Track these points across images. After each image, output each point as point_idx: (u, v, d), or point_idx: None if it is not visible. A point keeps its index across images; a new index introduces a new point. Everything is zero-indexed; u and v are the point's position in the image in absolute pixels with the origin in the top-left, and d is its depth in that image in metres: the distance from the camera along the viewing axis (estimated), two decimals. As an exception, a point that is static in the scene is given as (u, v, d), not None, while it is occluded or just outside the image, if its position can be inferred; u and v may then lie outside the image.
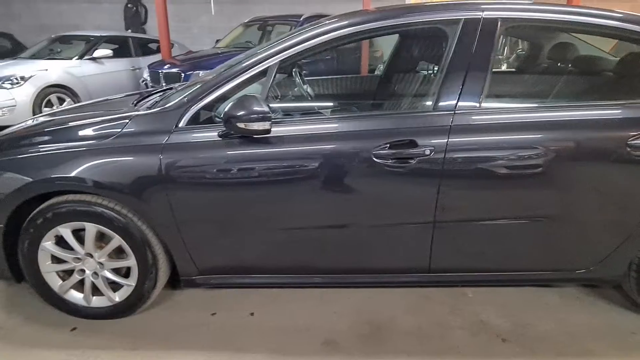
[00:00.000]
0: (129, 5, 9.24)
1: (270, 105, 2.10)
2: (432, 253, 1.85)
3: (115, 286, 1.97)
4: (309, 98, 2.75)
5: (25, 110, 5.49)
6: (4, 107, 5.38)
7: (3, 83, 5.46)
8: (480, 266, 1.92)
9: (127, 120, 1.82)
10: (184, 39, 8.82)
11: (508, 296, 2.19)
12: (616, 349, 1.85)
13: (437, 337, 1.93)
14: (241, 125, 1.59)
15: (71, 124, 1.98)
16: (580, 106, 1.77)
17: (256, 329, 1.98)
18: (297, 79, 2.76)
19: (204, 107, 1.78)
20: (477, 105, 1.73)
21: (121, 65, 6.89)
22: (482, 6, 1.78)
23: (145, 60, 6.90)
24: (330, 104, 2.51)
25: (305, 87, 2.87)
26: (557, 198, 1.75)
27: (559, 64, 2.28)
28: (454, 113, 1.71)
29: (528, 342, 1.90)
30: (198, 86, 1.84)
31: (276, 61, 1.76)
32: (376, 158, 1.68)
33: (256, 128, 1.60)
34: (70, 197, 1.80)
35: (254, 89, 1.84)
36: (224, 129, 1.69)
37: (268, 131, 1.63)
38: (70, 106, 3.26)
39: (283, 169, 1.73)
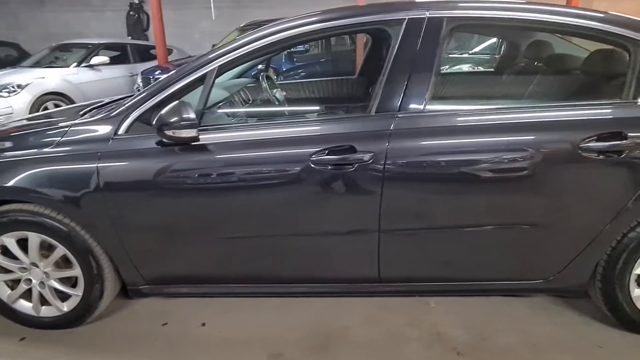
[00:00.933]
0: (131, 12, 9.37)
1: (220, 110, 2.07)
2: (381, 262, 1.78)
3: (65, 296, 1.95)
4: (276, 103, 2.71)
5: (22, 117, 5.60)
6: (1, 115, 5.49)
7: (0, 91, 5.58)
8: (434, 275, 1.83)
9: (67, 129, 1.80)
10: (184, 45, 8.89)
11: (472, 306, 2.09)
12: (579, 363, 1.75)
13: (389, 350, 1.85)
14: (169, 132, 1.55)
15: (15, 133, 1.98)
16: (531, 108, 1.67)
17: (204, 340, 1.93)
18: (263, 83, 2.72)
19: (144, 114, 1.74)
20: (421, 108, 1.65)
21: (119, 71, 6.98)
22: (427, 5, 1.70)
23: (144, 67, 6.97)
24: (281, 109, 2.46)
25: (274, 91, 2.83)
26: (509, 204, 1.66)
27: (510, 65, 2.19)
28: (396, 117, 1.64)
29: (486, 355, 1.81)
30: (141, 93, 1.82)
31: (214, 67, 1.71)
32: (314, 165, 1.62)
33: (184, 135, 1.56)
34: (13, 206, 1.79)
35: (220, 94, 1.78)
36: (160, 136, 1.66)
37: (195, 139, 1.59)
38: (41, 112, 3.28)
39: (220, 177, 1.68)
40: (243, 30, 7.31)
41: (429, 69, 1.65)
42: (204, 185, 1.68)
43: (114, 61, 6.85)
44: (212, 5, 9.53)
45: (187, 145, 1.66)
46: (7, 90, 5.61)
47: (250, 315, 2.07)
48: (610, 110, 1.64)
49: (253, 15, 8.99)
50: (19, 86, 5.69)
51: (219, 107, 2.21)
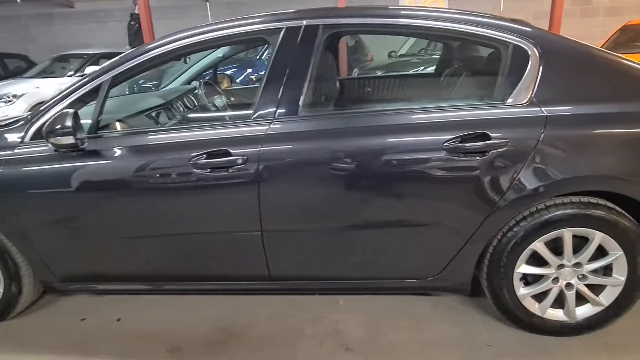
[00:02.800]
0: (132, 22, 9.67)
1: (121, 118, 2.17)
2: (269, 261, 1.85)
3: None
4: (214, 109, 2.81)
5: (17, 126, 5.91)
6: (-2, 124, 5.80)
7: (-2, 101, 5.92)
8: (321, 274, 1.89)
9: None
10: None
11: (379, 304, 2.14)
12: (455, 361, 1.78)
13: (283, 345, 1.92)
14: (52, 139, 1.68)
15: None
16: (403, 110, 1.72)
17: (114, 334, 2.05)
18: (199, 91, 2.83)
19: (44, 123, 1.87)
20: (296, 112, 1.72)
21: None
22: (305, 14, 1.78)
23: (139, 75, 7.22)
24: (175, 115, 2.55)
25: (214, 98, 2.94)
26: (381, 205, 1.71)
27: (384, 70, 2.23)
28: (272, 121, 1.72)
29: (373, 352, 1.85)
30: (46, 103, 1.95)
31: (108, 78, 1.83)
32: (194, 168, 1.72)
33: (64, 142, 1.68)
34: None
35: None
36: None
37: (74, 145, 1.70)
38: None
39: (109, 181, 1.79)
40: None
41: (304, 75, 1.72)
42: (96, 188, 1.80)
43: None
44: (209, 14, 9.78)
45: (80, 151, 1.78)
46: (3, 100, 5.94)
47: (164, 312, 2.18)
48: (476, 112, 1.67)
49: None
50: (14, 96, 6.02)
51: (130, 115, 2.33)
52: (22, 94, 6.08)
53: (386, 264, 1.84)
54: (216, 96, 2.98)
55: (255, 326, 2.05)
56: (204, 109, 2.77)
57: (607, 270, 1.77)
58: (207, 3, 9.78)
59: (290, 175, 1.70)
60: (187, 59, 2.93)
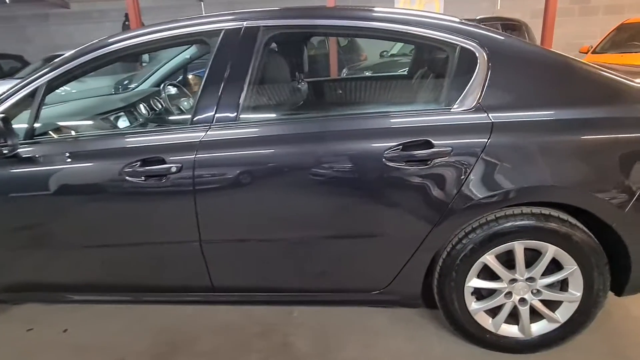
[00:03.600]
0: (127, 22, 9.67)
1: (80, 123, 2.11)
2: (210, 272, 1.77)
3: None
4: (178, 112, 2.75)
5: None
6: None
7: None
8: (267, 286, 1.82)
9: None
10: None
11: (333, 317, 2.05)
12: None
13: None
14: (-20, 146, 1.62)
15: None
16: (345, 116, 1.64)
17: (58, 346, 1.98)
18: (163, 93, 2.77)
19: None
20: (235, 118, 1.65)
21: (104, 82, 7.23)
22: (245, 15, 1.70)
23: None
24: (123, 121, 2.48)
25: (182, 100, 2.87)
26: (322, 215, 1.63)
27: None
28: (209, 127, 1.65)
29: (320, 367, 1.78)
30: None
31: (44, 82, 1.77)
32: (128, 177, 1.65)
33: None
34: None
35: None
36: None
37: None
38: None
39: (42, 189, 1.72)
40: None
41: (244, 78, 1.65)
42: (28, 197, 1.74)
43: (101, 72, 7.09)
44: (203, 14, 9.73)
45: (13, 157, 1.72)
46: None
47: (112, 323, 2.11)
48: (419, 118, 1.58)
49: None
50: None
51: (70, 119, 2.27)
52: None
53: (332, 277, 1.75)
54: (183, 99, 2.91)
55: (201, 339, 1.98)
56: (168, 112, 2.70)
57: (563, 285, 1.68)
58: (202, 3, 9.74)
59: (226, 185, 1.62)
60: (142, 63, 2.87)
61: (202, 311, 2.14)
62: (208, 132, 1.63)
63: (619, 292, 1.69)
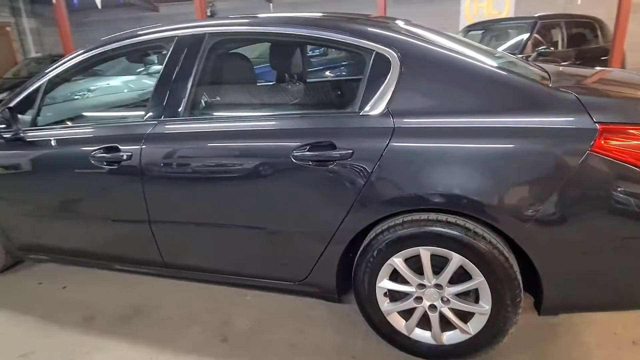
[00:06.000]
0: (204, 24, 10.57)
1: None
2: (160, 249, 2.02)
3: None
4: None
5: None
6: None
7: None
8: (207, 266, 2.01)
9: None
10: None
11: (280, 303, 2.19)
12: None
13: (174, 329, 2.08)
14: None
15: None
16: (266, 117, 1.76)
17: (53, 298, 2.39)
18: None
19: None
20: (178, 115, 1.87)
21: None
22: (195, 24, 1.91)
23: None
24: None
25: None
26: (240, 207, 1.78)
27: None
28: (158, 122, 1.89)
29: (243, 346, 1.93)
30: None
31: (44, 81, 2.16)
32: (92, 160, 1.95)
33: None
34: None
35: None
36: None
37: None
38: None
39: (39, 167, 2.11)
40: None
41: (187, 79, 1.86)
42: (30, 173, 2.14)
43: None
44: (271, 10, 10.25)
45: (19, 140, 2.13)
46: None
47: (100, 286, 2.48)
48: (328, 120, 1.65)
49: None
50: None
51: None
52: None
53: (258, 264, 1.90)
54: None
55: (162, 308, 2.25)
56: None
57: (477, 297, 1.64)
58: (271, 4, 10.25)
59: (164, 173, 1.85)
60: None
61: (176, 286, 2.41)
62: (155, 127, 1.88)
63: (538, 310, 1.61)
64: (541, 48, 5.23)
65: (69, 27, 7.12)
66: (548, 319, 1.97)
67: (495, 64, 1.65)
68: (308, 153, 1.62)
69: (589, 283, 1.52)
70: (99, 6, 7.44)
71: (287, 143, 1.65)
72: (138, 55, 2.93)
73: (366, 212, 1.60)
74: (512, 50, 5.41)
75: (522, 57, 5.25)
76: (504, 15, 8.35)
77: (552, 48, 5.33)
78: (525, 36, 5.45)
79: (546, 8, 7.57)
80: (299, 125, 1.68)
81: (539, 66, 1.99)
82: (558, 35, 5.73)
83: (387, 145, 1.54)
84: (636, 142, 1.35)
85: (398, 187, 1.54)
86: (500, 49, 5.74)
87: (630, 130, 1.36)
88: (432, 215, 1.57)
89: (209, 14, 10.77)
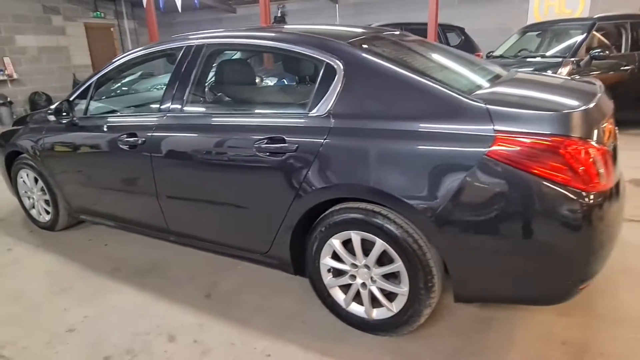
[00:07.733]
0: (274, 24, 11.22)
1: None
2: (166, 217, 2.50)
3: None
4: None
5: None
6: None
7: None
8: (199, 235, 2.44)
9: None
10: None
11: (263, 274, 2.56)
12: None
13: (172, 284, 2.55)
14: (50, 117, 2.67)
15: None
16: (236, 113, 2.13)
17: (96, 251, 3.02)
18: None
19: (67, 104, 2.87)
20: (180, 109, 2.31)
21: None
22: (197, 36, 2.34)
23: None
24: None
25: None
26: (216, 186, 2.18)
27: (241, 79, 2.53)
28: (165, 115, 2.35)
29: (221, 301, 2.34)
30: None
31: (94, 80, 2.75)
32: (119, 144, 2.48)
33: (50, 119, 2.64)
34: None
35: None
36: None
37: (56, 122, 2.66)
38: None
39: (87, 147, 2.71)
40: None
41: (187, 81, 2.30)
42: (81, 151, 2.75)
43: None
44: (337, 14, 10.61)
45: (75, 125, 2.75)
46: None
47: (132, 246, 3.05)
48: (284, 119, 1.98)
49: (371, 20, 9.65)
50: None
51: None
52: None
53: (234, 236, 2.28)
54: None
55: (172, 269, 2.75)
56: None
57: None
58: (337, 5, 10.60)
59: (166, 156, 2.31)
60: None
61: (188, 252, 2.89)
62: (163, 118, 2.35)
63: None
64: (595, 51, 4.93)
65: (159, 27, 8.18)
66: (488, 312, 2.11)
67: (434, 76, 1.83)
68: (264, 145, 1.97)
69: (489, 276, 1.68)
70: (179, 9, 8.35)
71: (252, 136, 2.01)
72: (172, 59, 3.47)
73: (307, 198, 1.90)
74: (564, 53, 5.16)
75: (573, 61, 5.03)
76: (577, 14, 7.80)
77: (607, 52, 4.99)
78: (579, 38, 5.17)
79: (625, 8, 6.98)
80: (262, 122, 2.04)
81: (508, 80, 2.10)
82: (622, 38, 5.33)
83: (324, 141, 1.82)
84: (525, 149, 1.49)
85: (329, 178, 1.83)
86: (550, 52, 5.50)
87: (519, 139, 1.50)
88: (361, 204, 1.83)
89: (279, 14, 11.44)
